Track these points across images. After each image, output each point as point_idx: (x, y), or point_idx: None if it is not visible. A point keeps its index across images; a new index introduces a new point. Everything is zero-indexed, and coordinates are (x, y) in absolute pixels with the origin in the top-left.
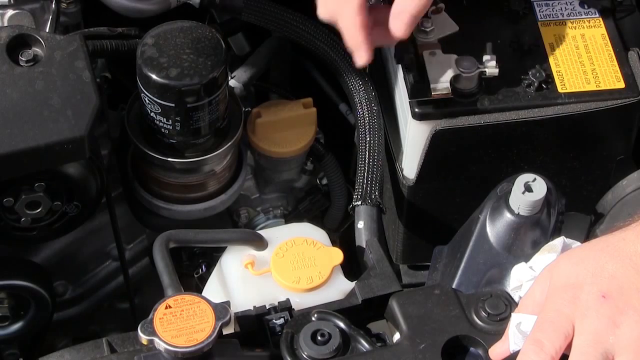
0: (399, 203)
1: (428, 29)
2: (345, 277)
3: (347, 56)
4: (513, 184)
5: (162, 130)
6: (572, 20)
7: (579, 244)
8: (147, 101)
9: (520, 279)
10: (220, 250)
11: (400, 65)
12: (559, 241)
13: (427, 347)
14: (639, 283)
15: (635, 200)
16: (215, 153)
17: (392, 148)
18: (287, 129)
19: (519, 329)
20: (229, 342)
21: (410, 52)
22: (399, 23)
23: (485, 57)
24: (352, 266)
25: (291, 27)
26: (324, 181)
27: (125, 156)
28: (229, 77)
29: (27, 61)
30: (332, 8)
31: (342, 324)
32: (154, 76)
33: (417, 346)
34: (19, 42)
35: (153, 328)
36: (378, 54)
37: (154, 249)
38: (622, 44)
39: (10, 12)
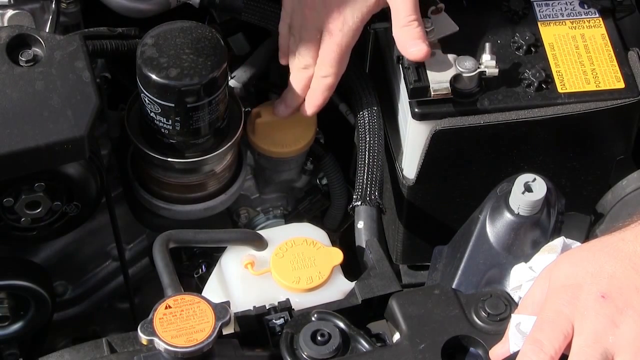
0: (399, 203)
1: (428, 29)
2: (345, 277)
3: None
4: (513, 184)
5: (162, 130)
6: (572, 20)
7: (579, 244)
8: (147, 101)
9: (520, 279)
10: (220, 250)
11: (400, 65)
12: (558, 241)
13: (427, 347)
14: (638, 283)
15: (635, 200)
16: (215, 153)
17: (392, 148)
18: (287, 129)
19: (518, 329)
20: (229, 342)
21: None
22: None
23: (485, 57)
24: (352, 266)
25: None
26: (324, 181)
27: (125, 156)
28: (229, 77)
29: (27, 61)
30: None
31: (342, 324)
32: (153, 76)
33: (417, 346)
34: (19, 42)
35: (153, 328)
36: (378, 54)
37: (153, 249)
38: (622, 44)
39: (10, 12)
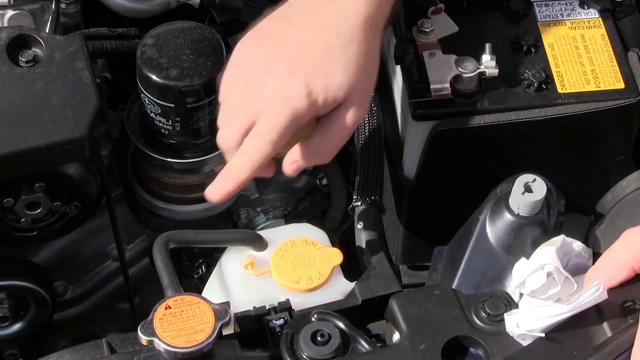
0: (399, 203)
1: (428, 30)
2: (345, 277)
3: None
4: (513, 184)
5: (162, 130)
6: (572, 21)
7: (579, 242)
8: (147, 101)
9: (522, 274)
10: (220, 251)
11: (400, 66)
12: (559, 237)
13: (427, 347)
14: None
15: (635, 200)
16: (215, 153)
17: (392, 148)
18: None
19: (519, 327)
20: (229, 343)
21: (410, 53)
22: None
23: (485, 58)
24: (352, 266)
25: None
26: (324, 181)
27: (125, 156)
28: None
29: (27, 62)
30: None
31: (342, 325)
32: (153, 77)
33: (417, 347)
34: (19, 43)
35: (153, 328)
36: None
37: (153, 249)
38: (622, 45)
39: (10, 13)
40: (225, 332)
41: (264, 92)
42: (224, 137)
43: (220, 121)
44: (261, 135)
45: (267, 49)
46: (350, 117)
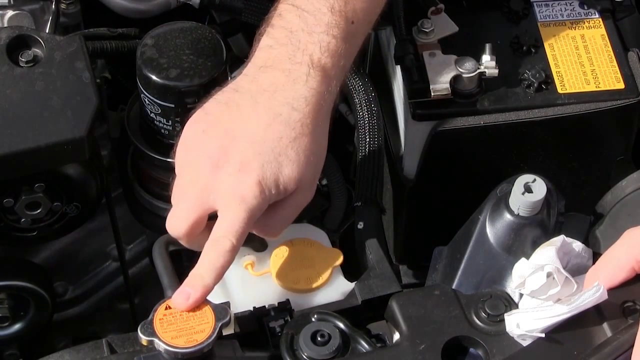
0: (399, 203)
1: (428, 30)
2: (345, 277)
3: None
4: (513, 184)
5: (162, 130)
6: (572, 21)
7: (579, 242)
8: (147, 102)
9: (522, 274)
10: None
11: (400, 66)
12: (559, 238)
13: (427, 347)
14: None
15: (635, 200)
16: None
17: (392, 148)
18: None
19: (519, 327)
20: (229, 343)
21: (410, 53)
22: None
23: (485, 58)
24: (352, 267)
25: None
26: (324, 181)
27: (125, 156)
28: (229, 78)
29: (27, 62)
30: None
31: (341, 325)
32: (153, 77)
33: (417, 347)
34: (18, 43)
35: (153, 329)
36: (378, 54)
37: (153, 251)
38: (621, 45)
39: (10, 13)
40: (225, 332)
41: (215, 185)
42: (173, 226)
43: (172, 201)
44: (222, 241)
45: (218, 140)
46: (297, 202)
